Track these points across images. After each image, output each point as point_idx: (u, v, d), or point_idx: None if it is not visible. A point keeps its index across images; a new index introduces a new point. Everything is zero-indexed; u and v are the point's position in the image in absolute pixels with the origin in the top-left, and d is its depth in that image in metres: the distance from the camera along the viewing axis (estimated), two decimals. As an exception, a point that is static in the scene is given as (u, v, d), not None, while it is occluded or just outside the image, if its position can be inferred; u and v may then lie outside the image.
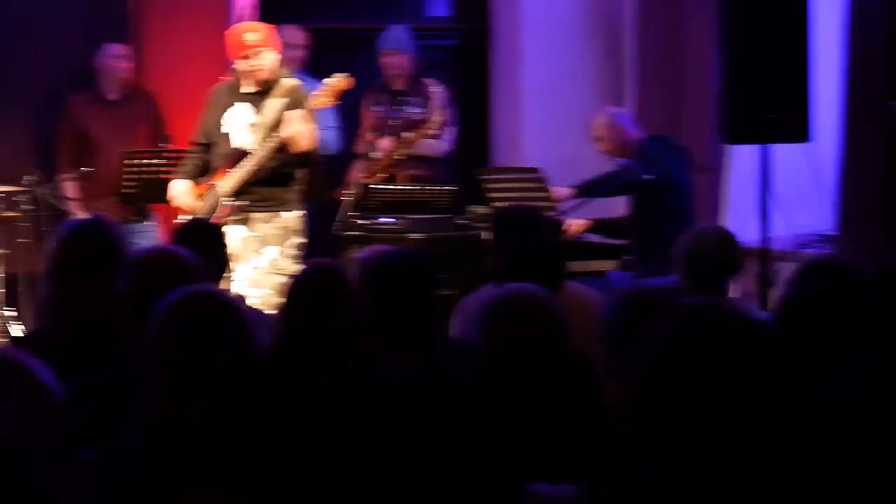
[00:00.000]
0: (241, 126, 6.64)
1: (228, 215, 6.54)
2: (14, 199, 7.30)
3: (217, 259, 4.49)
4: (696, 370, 2.26)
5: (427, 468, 2.77)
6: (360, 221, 7.23)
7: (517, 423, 3.00)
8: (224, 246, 4.56)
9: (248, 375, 2.44)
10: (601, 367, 3.42)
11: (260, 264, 6.55)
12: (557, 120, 9.07)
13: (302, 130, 6.36)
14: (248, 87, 6.65)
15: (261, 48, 6.53)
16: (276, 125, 6.51)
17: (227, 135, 6.65)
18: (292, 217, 6.65)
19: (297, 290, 3.67)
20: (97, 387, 3.07)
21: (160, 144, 7.81)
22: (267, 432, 2.50)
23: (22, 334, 3.97)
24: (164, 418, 2.45)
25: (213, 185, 6.65)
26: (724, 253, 4.70)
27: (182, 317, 2.45)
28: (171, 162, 7.24)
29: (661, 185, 6.61)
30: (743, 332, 2.30)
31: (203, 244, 4.46)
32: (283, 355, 2.71)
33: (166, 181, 7.15)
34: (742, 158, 7.33)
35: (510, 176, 6.90)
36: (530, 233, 4.48)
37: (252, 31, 6.57)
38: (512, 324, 3.01)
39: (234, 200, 6.56)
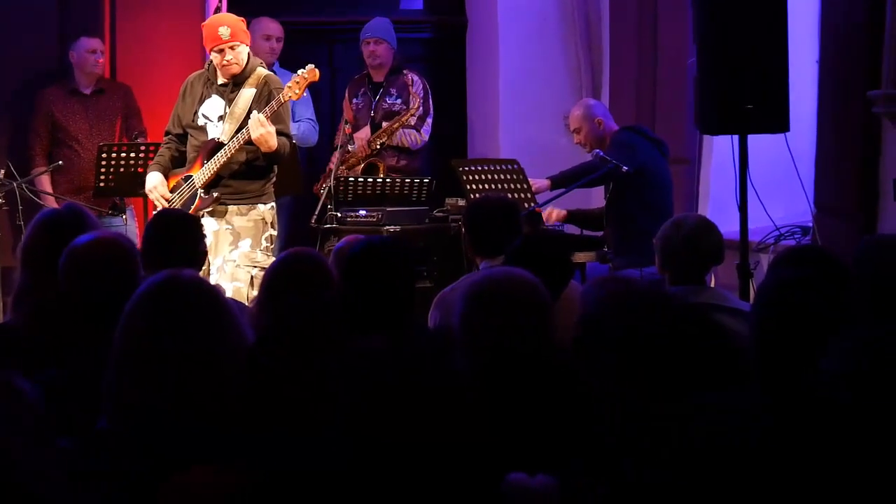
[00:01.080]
0: (215, 118, 6.62)
1: (205, 207, 6.52)
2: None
3: (195, 249, 4.45)
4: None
5: (402, 459, 2.72)
6: (337, 214, 7.20)
7: (495, 413, 2.96)
8: (202, 236, 4.52)
9: (232, 362, 2.39)
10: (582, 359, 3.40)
11: (233, 257, 6.52)
12: (534, 112, 9.06)
13: (264, 133, 6.33)
14: (221, 79, 6.63)
15: (234, 42, 6.50)
16: (247, 117, 6.49)
17: (203, 126, 6.63)
18: (266, 210, 6.62)
19: (277, 277, 3.64)
20: (67, 379, 3.03)
21: (136, 138, 7.76)
22: (249, 423, 2.46)
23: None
24: (139, 407, 2.40)
25: (188, 176, 6.62)
26: (707, 240, 4.67)
27: (162, 302, 2.41)
28: (147, 155, 7.21)
29: (637, 176, 6.59)
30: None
31: (181, 234, 4.42)
32: (265, 342, 2.66)
33: (141, 175, 7.12)
34: (720, 150, 7.32)
35: (488, 167, 6.85)
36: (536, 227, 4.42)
37: (225, 25, 6.53)
38: (495, 309, 2.93)
39: (210, 192, 6.54)
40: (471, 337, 2.91)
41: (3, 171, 7.26)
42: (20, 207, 7.22)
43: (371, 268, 3.41)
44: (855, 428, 2.32)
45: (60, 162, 7.57)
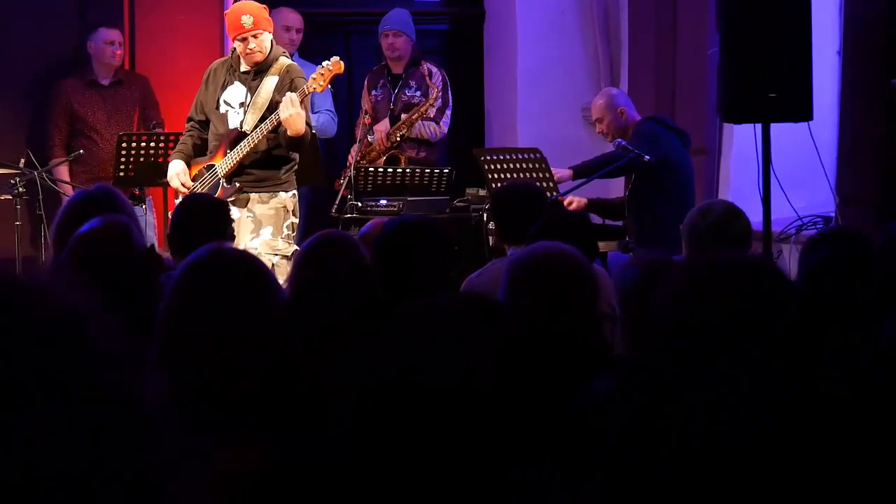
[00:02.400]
0: (236, 104, 6.62)
1: (227, 197, 6.52)
2: (7, 182, 7.23)
3: (223, 233, 4.44)
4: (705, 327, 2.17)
5: (411, 454, 2.67)
6: (358, 203, 7.19)
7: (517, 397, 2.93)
8: (230, 220, 4.52)
9: (270, 338, 2.37)
10: (622, 341, 3.39)
11: (254, 245, 6.52)
12: (552, 103, 9.04)
13: (294, 113, 6.32)
14: (244, 66, 6.63)
15: (257, 30, 6.50)
16: (269, 106, 6.48)
17: (224, 115, 6.63)
18: (287, 197, 6.62)
19: (307, 257, 3.62)
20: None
21: (153, 128, 7.75)
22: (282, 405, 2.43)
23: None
24: (184, 385, 2.39)
25: (210, 165, 6.62)
26: (734, 227, 4.65)
27: (207, 276, 2.39)
28: (167, 145, 7.21)
29: (659, 166, 6.57)
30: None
31: (208, 219, 4.42)
32: (297, 316, 2.63)
33: (161, 164, 7.12)
34: (740, 139, 7.30)
35: (510, 156, 6.84)
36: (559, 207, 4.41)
37: (248, 14, 6.53)
38: (544, 281, 2.88)
39: (232, 182, 6.54)
40: (515, 312, 2.88)
41: (22, 161, 7.26)
42: (40, 197, 7.23)
43: (409, 242, 3.40)
44: (855, 427, 2.29)
45: (81, 151, 7.56)
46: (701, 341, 2.09)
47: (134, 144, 7.25)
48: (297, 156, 6.63)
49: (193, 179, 6.65)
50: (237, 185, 6.54)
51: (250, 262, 2.46)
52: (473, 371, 2.50)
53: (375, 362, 2.29)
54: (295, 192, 6.67)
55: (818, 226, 6.88)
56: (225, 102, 6.64)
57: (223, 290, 2.40)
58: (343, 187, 7.30)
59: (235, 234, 6.35)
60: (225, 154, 6.55)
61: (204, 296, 2.41)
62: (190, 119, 6.81)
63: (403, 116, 7.96)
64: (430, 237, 3.45)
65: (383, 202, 7.22)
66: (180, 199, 6.58)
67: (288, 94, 6.36)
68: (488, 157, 6.89)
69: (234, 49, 6.64)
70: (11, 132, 7.96)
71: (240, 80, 6.62)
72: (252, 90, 6.57)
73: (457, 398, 2.36)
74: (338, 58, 6.51)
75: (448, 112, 8.06)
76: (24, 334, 1.17)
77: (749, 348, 2.10)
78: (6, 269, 1.29)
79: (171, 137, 7.24)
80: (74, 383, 1.17)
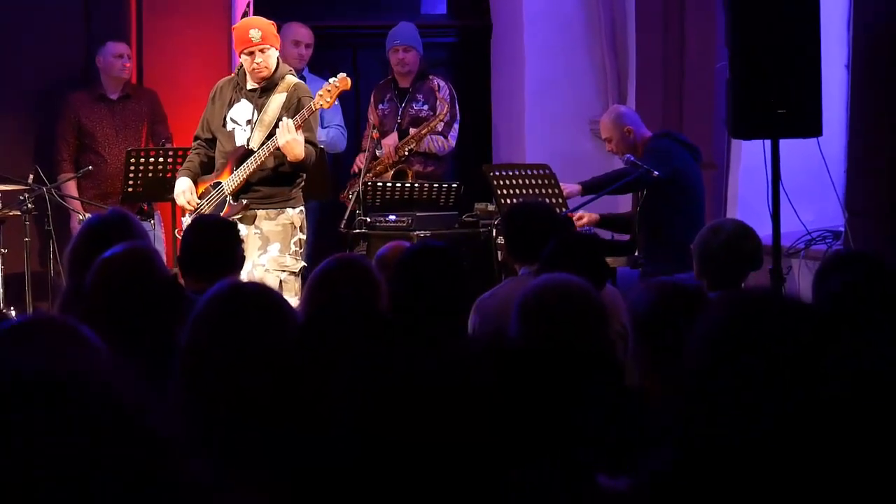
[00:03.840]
0: (243, 122, 6.62)
1: (234, 214, 6.53)
2: (16, 198, 7.24)
3: (233, 254, 4.44)
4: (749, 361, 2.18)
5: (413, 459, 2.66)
6: (366, 219, 7.19)
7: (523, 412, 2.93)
8: (240, 241, 4.52)
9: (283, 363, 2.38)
10: (634, 363, 3.39)
11: (262, 261, 6.52)
12: (560, 116, 9.05)
13: (291, 140, 6.32)
14: (251, 84, 6.63)
15: (264, 45, 6.51)
16: (276, 123, 6.49)
17: (231, 132, 6.63)
18: (295, 214, 6.62)
19: (322, 281, 3.63)
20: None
21: (162, 143, 7.76)
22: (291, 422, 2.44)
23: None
24: (205, 416, 2.40)
25: (217, 182, 6.62)
26: (746, 245, 4.66)
27: (228, 313, 2.40)
28: (175, 161, 7.22)
29: (671, 182, 6.57)
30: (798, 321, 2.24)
31: (218, 240, 4.42)
32: (310, 340, 2.62)
33: (169, 180, 7.13)
34: (748, 153, 7.30)
35: (519, 172, 6.83)
36: (568, 229, 4.41)
37: (256, 28, 6.53)
38: (554, 315, 2.89)
39: (239, 199, 6.55)
40: (529, 342, 2.88)
41: (31, 176, 7.27)
42: (49, 213, 7.24)
43: (425, 268, 3.39)
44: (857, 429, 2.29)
45: (90, 167, 7.56)
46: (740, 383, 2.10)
47: (142, 160, 7.27)
48: (304, 172, 6.64)
49: (200, 197, 6.66)
50: (244, 202, 6.54)
51: (268, 296, 2.47)
52: (474, 372, 2.50)
53: (377, 365, 2.31)
54: (302, 208, 6.68)
55: (827, 240, 6.88)
56: (232, 120, 6.64)
57: (242, 322, 2.41)
58: (351, 202, 7.30)
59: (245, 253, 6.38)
60: (232, 171, 6.56)
61: (224, 328, 2.42)
62: (197, 137, 6.82)
63: (412, 130, 7.96)
64: (451, 264, 3.46)
65: (392, 218, 7.21)
66: (187, 217, 6.61)
67: (284, 119, 6.37)
68: (497, 173, 6.88)
69: (241, 66, 6.64)
70: (20, 147, 7.97)
71: (246, 98, 6.62)
72: (259, 108, 6.57)
73: (457, 399, 2.37)
74: (344, 74, 6.51)
75: (456, 126, 8.07)
76: (74, 426, 1.20)
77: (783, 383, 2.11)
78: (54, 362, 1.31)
79: (179, 153, 7.26)
80: (125, 471, 1.20)
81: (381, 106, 8.25)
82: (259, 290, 2.47)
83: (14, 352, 1.83)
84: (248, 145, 6.57)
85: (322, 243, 8.07)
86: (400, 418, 2.38)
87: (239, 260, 4.47)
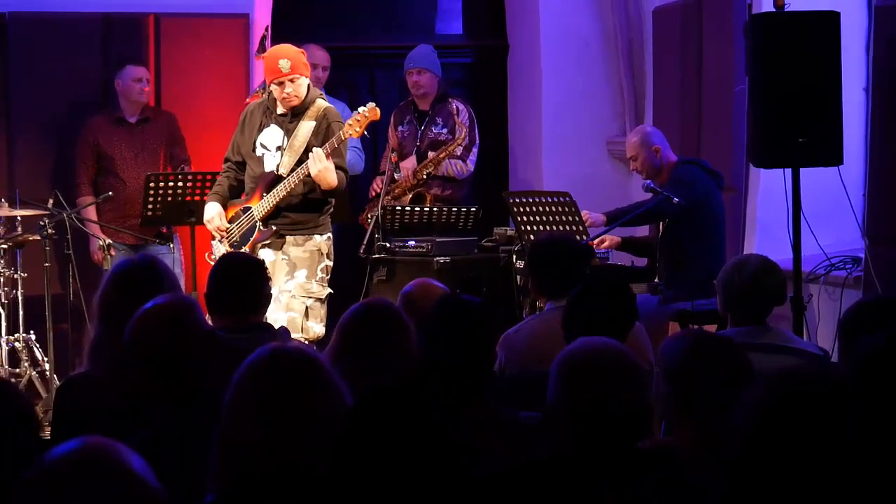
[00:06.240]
0: (273, 147, 6.64)
1: (263, 239, 6.56)
2: (36, 222, 7.25)
3: (260, 293, 4.45)
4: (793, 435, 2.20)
5: None
6: (386, 244, 7.20)
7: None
8: (267, 279, 4.52)
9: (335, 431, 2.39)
10: (662, 411, 3.39)
11: (288, 287, 6.54)
12: (577, 135, 9.05)
13: (323, 168, 6.35)
14: (280, 109, 6.65)
15: (294, 75, 6.52)
16: (306, 149, 6.51)
17: (261, 157, 6.65)
18: (322, 241, 6.64)
19: (352, 328, 3.64)
20: (152, 443, 3.03)
21: (181, 168, 7.77)
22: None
23: (70, 378, 3.89)
24: (248, 481, 2.41)
25: (247, 207, 6.65)
26: (770, 282, 4.66)
27: (269, 377, 2.42)
28: (194, 185, 7.24)
29: (695, 210, 6.56)
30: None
31: (246, 279, 4.43)
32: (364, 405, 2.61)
33: (188, 204, 7.15)
34: (768, 177, 7.29)
35: (539, 199, 6.82)
36: (596, 275, 4.40)
37: (285, 58, 6.54)
38: (595, 383, 2.87)
39: (269, 225, 6.57)
40: (568, 410, 2.88)
41: (51, 201, 7.28)
42: (68, 236, 7.25)
43: (462, 327, 3.40)
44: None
45: (111, 193, 7.58)
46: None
47: (161, 184, 7.29)
48: (332, 199, 6.66)
49: (230, 221, 6.69)
50: (273, 227, 6.58)
51: (309, 362, 2.48)
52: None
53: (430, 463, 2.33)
54: (330, 234, 6.69)
55: (848, 266, 6.86)
56: (261, 145, 6.66)
57: (282, 392, 2.42)
58: (371, 226, 7.31)
59: (271, 277, 6.39)
60: (262, 196, 6.58)
61: (263, 397, 2.43)
62: (227, 160, 6.85)
63: (431, 154, 7.97)
64: (484, 321, 3.47)
65: (412, 243, 7.22)
66: (216, 242, 6.63)
67: (315, 150, 6.38)
68: (517, 200, 6.86)
69: (271, 91, 6.66)
70: (39, 170, 7.99)
71: (276, 123, 6.64)
72: (289, 133, 6.59)
73: None
74: (374, 104, 6.52)
75: (475, 150, 8.08)
76: None
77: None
78: None
79: (199, 177, 7.28)
80: None
81: (400, 128, 8.27)
82: (300, 357, 2.47)
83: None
84: (277, 171, 6.59)
85: (341, 268, 8.08)
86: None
87: (266, 299, 4.48)
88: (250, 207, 6.64)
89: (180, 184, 7.29)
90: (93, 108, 7.99)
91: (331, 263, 6.70)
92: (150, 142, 7.92)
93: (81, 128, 7.88)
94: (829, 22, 6.03)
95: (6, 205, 7.19)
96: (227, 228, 6.68)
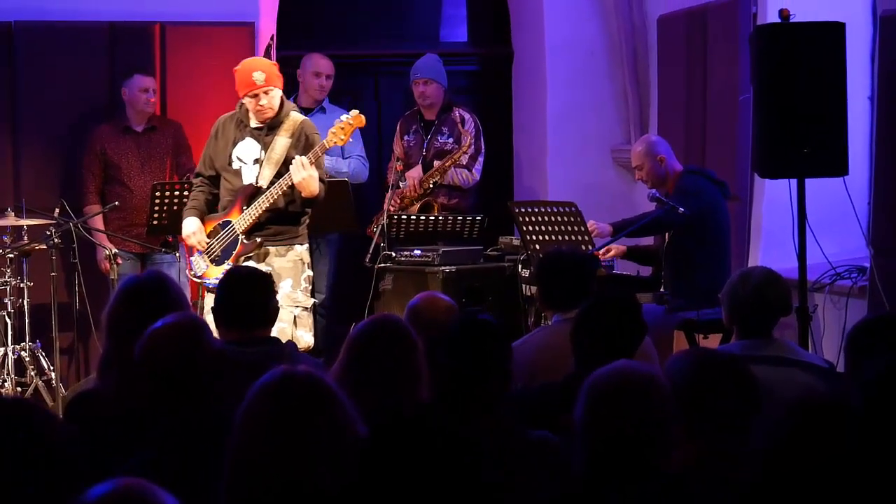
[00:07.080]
0: (250, 161, 6.63)
1: (247, 252, 6.55)
2: (42, 231, 7.28)
3: (267, 306, 4.46)
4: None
5: None
6: (391, 253, 7.21)
7: None
8: (274, 292, 4.53)
9: (347, 456, 2.41)
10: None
11: (275, 298, 6.53)
12: (581, 144, 9.06)
13: (307, 176, 6.35)
14: (255, 122, 6.64)
15: (268, 87, 6.52)
16: (285, 161, 6.50)
17: (238, 170, 6.64)
18: (303, 250, 6.65)
19: (361, 344, 3.65)
20: (157, 461, 3.05)
21: (187, 176, 7.79)
22: None
23: (80, 393, 3.91)
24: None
25: (227, 221, 6.63)
26: (775, 293, 4.67)
27: (278, 402, 2.44)
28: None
29: (700, 220, 6.56)
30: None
31: (253, 292, 4.44)
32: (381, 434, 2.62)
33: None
34: (772, 186, 7.30)
35: (545, 209, 6.82)
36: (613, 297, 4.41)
37: (259, 70, 6.54)
38: (627, 410, 2.88)
39: (252, 238, 6.56)
40: (594, 433, 2.88)
41: (57, 210, 7.31)
42: (74, 245, 7.28)
43: (476, 349, 3.42)
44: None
45: (117, 203, 7.60)
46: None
47: (167, 193, 7.31)
48: (309, 209, 6.65)
49: (209, 236, 6.67)
50: (258, 240, 6.56)
51: (318, 385, 2.50)
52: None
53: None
54: (308, 245, 6.69)
55: (853, 275, 6.87)
56: (238, 158, 6.65)
57: (292, 415, 2.44)
58: (377, 235, 7.32)
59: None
60: (241, 210, 6.57)
61: (274, 419, 2.45)
62: (198, 174, 6.83)
63: (436, 163, 7.99)
64: (502, 341, 3.49)
65: (417, 252, 7.24)
66: (196, 256, 6.62)
67: (297, 157, 6.39)
68: (523, 210, 6.87)
69: (242, 104, 6.65)
70: (46, 180, 8.00)
71: (252, 137, 6.63)
72: (266, 146, 6.58)
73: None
74: (357, 111, 6.53)
75: (481, 159, 8.09)
76: None
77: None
78: None
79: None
80: None
81: (406, 137, 8.28)
82: (311, 381, 2.49)
83: None
84: (256, 183, 6.58)
85: (347, 277, 8.09)
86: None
87: (274, 313, 4.49)
88: (230, 221, 6.61)
89: (186, 193, 7.30)
90: (99, 116, 8.01)
91: (311, 273, 6.72)
92: (156, 151, 7.94)
93: (88, 136, 7.90)
94: (834, 33, 6.05)
95: (13, 214, 7.22)
96: (208, 243, 6.68)
